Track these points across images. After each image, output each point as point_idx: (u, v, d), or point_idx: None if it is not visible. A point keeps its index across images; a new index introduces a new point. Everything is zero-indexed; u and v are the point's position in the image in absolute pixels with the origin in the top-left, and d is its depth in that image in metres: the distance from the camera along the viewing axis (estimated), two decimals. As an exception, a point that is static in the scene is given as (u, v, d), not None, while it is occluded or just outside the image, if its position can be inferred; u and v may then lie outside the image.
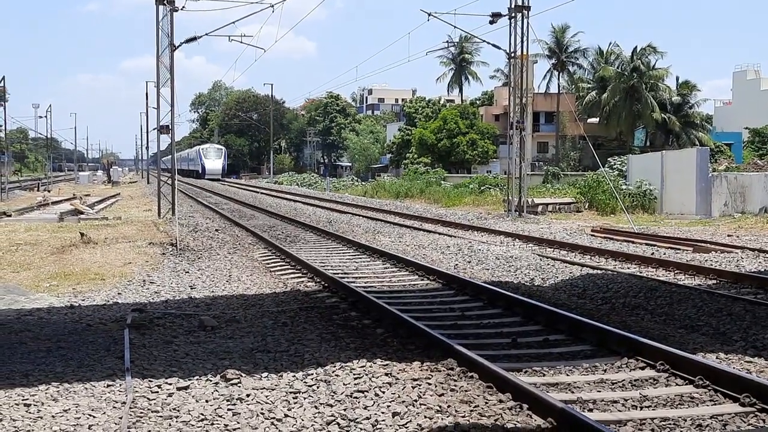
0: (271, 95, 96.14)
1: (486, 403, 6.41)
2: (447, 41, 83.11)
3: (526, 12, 28.77)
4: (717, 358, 7.97)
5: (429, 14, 30.42)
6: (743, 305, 10.65)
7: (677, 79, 74.89)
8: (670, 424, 6.06)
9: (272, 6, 27.30)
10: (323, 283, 13.09)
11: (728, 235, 21.18)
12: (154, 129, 27.37)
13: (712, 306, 10.65)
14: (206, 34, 30.53)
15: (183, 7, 25.86)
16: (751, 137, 68.04)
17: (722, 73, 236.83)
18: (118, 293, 12.25)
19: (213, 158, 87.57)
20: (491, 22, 30.05)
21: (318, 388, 6.87)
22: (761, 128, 67.59)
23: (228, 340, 8.94)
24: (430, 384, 6.90)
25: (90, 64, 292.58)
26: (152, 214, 28.33)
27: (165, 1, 25.17)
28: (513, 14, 29.03)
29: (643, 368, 7.57)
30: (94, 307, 11.10)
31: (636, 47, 71.49)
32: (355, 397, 6.55)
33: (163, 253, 17.19)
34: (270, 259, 16.62)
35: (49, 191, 53.29)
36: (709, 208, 28.81)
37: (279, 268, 15.35)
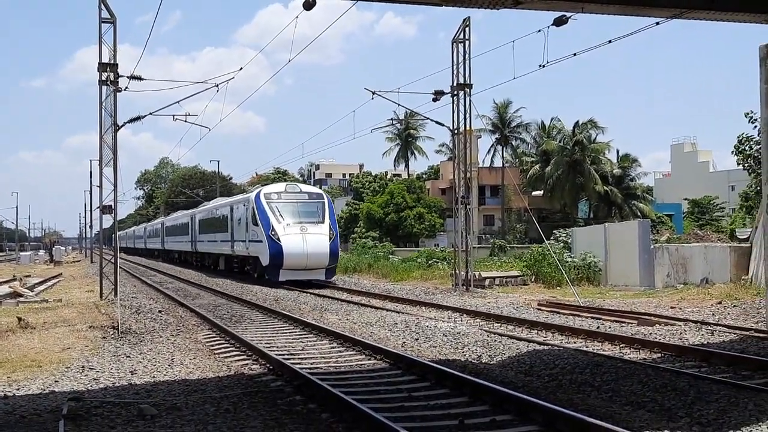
0: (218, 171, 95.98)
1: (432, 491, 6.27)
2: (392, 118, 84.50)
3: (468, 90, 29.34)
4: (663, 436, 7.96)
5: (373, 93, 30.88)
6: (687, 380, 10.71)
7: (618, 152, 77.06)
8: (617, 508, 5.99)
9: (217, 86, 27.50)
10: (268, 365, 12.85)
11: (671, 307, 21.45)
12: (97, 208, 26.98)
13: (657, 381, 10.69)
14: (150, 114, 30.45)
15: (126, 87, 25.88)
16: (691, 208, 69.84)
17: (661, 146, 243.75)
18: (56, 381, 11.84)
19: (300, 221, 33.77)
20: (434, 100, 30.59)
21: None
22: (700, 199, 69.48)
23: (168, 430, 8.66)
24: (375, 472, 6.74)
25: (34, 141, 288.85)
26: (94, 295, 27.71)
27: (108, 82, 25.13)
28: (455, 92, 29.59)
29: (590, 449, 7.51)
30: (29, 396, 10.70)
31: (577, 122, 73.58)
32: (298, 489, 6.36)
33: (104, 337, 16.74)
34: (214, 341, 16.30)
35: (-12, 272, 51.94)
36: (653, 279, 29.22)
37: (223, 350, 15.05)
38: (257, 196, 35.11)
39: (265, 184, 37.41)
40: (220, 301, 26.05)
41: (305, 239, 32.80)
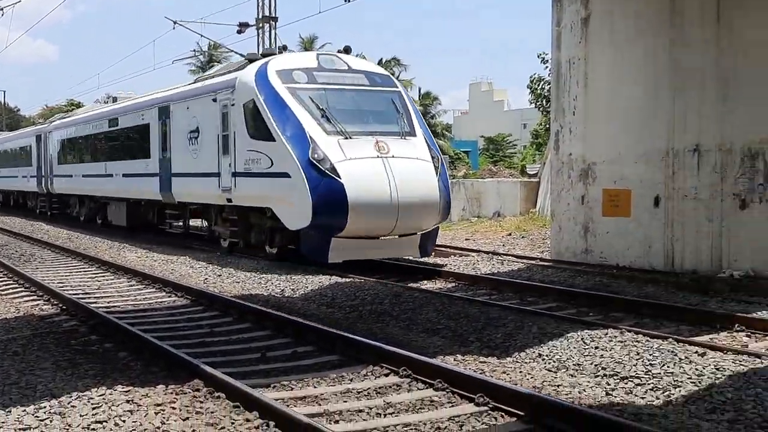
0: (3, 102, 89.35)
1: (233, 423, 6.29)
2: (195, 50, 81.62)
3: (273, 23, 28.93)
4: (455, 360, 8.38)
5: (175, 22, 29.64)
6: (478, 307, 11.30)
7: (420, 90, 78.79)
8: (411, 429, 6.27)
9: (2, 9, 25.42)
10: (61, 305, 12.27)
11: (466, 239, 22.51)
12: None
13: (451, 309, 11.19)
14: None
15: None
16: (486, 145, 73.14)
17: (460, 85, 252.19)
18: None
19: (371, 131, 15.59)
20: (239, 32, 30.01)
21: (51, 421, 6.39)
22: (494, 136, 72.85)
23: (-52, 376, 8.10)
24: (174, 408, 6.65)
25: None
26: None
27: None
28: (261, 24, 29.06)
29: (387, 375, 7.79)
30: None
31: (381, 59, 74.32)
32: (93, 429, 6.17)
33: None
34: (0, 282, 15.35)
35: None
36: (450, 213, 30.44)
37: (11, 291, 14.19)
38: (261, 74, 16.43)
39: (269, 54, 18.17)
40: (6, 240, 24.49)
41: (390, 169, 15.19)
